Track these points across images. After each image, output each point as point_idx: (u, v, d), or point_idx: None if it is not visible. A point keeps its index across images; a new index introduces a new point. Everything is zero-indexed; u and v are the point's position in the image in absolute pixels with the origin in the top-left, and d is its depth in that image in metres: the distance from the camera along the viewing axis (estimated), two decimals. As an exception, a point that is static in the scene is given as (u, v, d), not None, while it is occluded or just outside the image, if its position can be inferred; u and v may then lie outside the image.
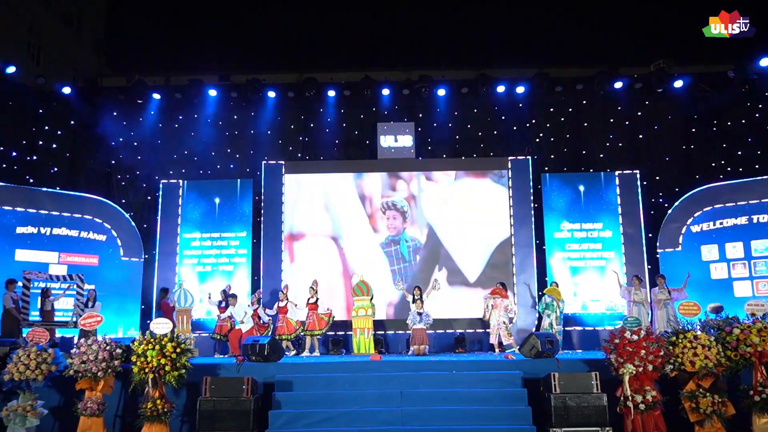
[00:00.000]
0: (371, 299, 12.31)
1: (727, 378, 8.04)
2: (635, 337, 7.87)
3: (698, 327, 8.54)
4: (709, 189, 13.58)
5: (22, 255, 12.60)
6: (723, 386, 7.91)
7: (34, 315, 11.35)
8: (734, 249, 12.98)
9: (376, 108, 14.74)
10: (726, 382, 8.02)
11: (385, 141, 14.37)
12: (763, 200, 12.94)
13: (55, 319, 11.68)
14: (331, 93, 14.26)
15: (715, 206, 13.36)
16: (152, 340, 8.19)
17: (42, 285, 11.70)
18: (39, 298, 11.49)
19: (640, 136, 14.60)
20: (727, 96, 13.94)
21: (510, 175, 14.14)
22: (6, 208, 12.58)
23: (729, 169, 13.96)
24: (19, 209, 12.74)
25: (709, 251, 13.28)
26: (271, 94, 14.26)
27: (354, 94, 14.29)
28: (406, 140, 14.35)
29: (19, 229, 12.70)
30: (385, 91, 14.20)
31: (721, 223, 13.24)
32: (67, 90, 13.77)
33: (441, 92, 14.17)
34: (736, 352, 7.91)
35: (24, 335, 9.68)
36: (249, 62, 14.93)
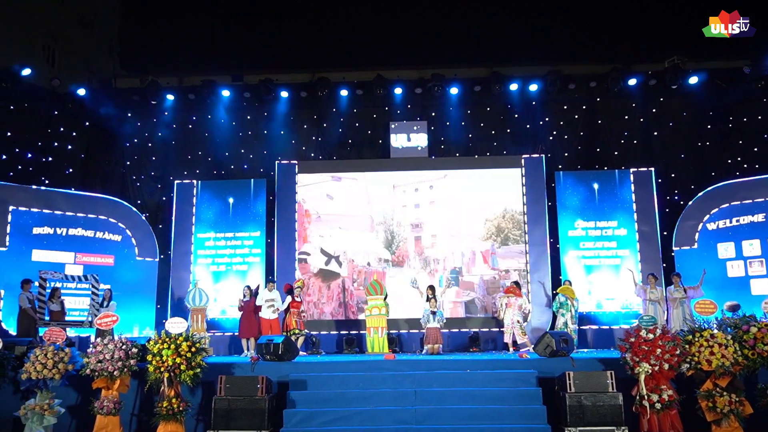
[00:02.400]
0: (385, 298, 12.33)
1: (745, 377, 7.99)
2: (651, 336, 7.84)
3: (715, 325, 8.48)
4: (725, 186, 13.44)
5: (39, 255, 12.71)
6: (740, 385, 7.84)
7: (51, 314, 11.47)
8: (751, 246, 12.83)
9: (388, 107, 14.72)
10: (743, 381, 7.96)
11: (398, 140, 14.36)
12: (780, 197, 12.80)
13: (71, 318, 11.80)
14: (344, 92, 14.26)
15: (732, 203, 13.22)
16: (167, 339, 8.26)
17: (58, 285, 11.83)
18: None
19: (655, 133, 14.48)
20: (742, 92, 13.78)
21: (523, 174, 14.10)
22: (23, 209, 12.71)
23: (745, 165, 13.79)
24: (35, 210, 12.87)
25: (725, 249, 13.14)
26: (284, 93, 14.27)
27: (366, 93, 14.28)
28: (419, 139, 14.33)
29: (36, 230, 12.82)
30: (398, 90, 14.17)
31: (737, 221, 13.10)
32: (81, 91, 13.87)
33: (454, 91, 14.11)
34: (753, 351, 7.86)
35: (41, 335, 9.78)
36: (261, 62, 14.92)
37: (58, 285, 11.74)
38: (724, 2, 11.51)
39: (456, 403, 8.28)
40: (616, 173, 14.06)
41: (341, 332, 13.47)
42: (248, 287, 12.17)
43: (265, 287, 12.17)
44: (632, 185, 13.93)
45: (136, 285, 13.57)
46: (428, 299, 11.64)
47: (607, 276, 13.60)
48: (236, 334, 12.29)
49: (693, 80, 13.60)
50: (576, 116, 14.68)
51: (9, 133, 13.28)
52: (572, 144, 14.63)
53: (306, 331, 11.99)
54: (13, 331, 11.38)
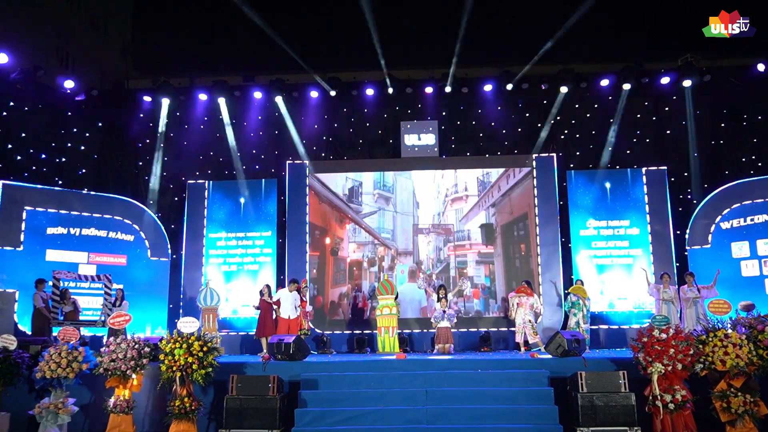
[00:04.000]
0: (395, 298, 12.32)
1: (760, 377, 7.90)
2: (664, 336, 7.78)
3: (729, 325, 8.39)
4: (739, 185, 13.31)
5: (53, 255, 12.80)
6: (755, 386, 7.77)
7: (64, 314, 11.55)
8: (766, 246, 12.69)
9: (399, 107, 14.72)
10: (758, 381, 7.87)
11: (409, 140, 14.35)
12: (795, 196, 12.66)
13: (84, 318, 11.88)
14: (354, 92, 14.27)
15: (746, 202, 13.09)
16: (179, 338, 8.30)
17: (72, 285, 11.92)
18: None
19: (668, 132, 14.38)
20: (756, 90, 13.65)
21: (535, 173, 14.05)
22: (37, 209, 12.80)
23: (759, 164, 13.66)
24: (49, 210, 12.95)
25: (739, 248, 13.01)
26: (295, 94, 14.31)
27: (377, 93, 14.29)
28: (430, 139, 14.32)
29: (50, 230, 12.91)
30: (408, 90, 14.17)
31: (752, 220, 12.97)
32: (94, 92, 13.98)
33: (464, 90, 14.10)
34: (768, 351, 7.78)
35: (54, 334, 9.86)
36: (272, 62, 15.00)
37: (71, 285, 11.83)
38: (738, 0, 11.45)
39: (467, 402, 8.26)
40: (628, 172, 13.97)
41: (352, 332, 13.48)
42: (267, 286, 12.20)
43: (284, 287, 12.13)
44: (645, 184, 13.83)
45: (149, 285, 13.64)
46: (439, 299, 11.63)
47: (619, 275, 13.52)
48: (252, 333, 12.28)
49: (706, 78, 13.48)
50: (588, 115, 14.60)
51: (23, 134, 13.40)
52: (584, 143, 14.55)
53: (309, 329, 12.04)
54: (27, 331, 11.48)
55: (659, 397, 7.56)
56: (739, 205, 13.15)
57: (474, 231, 14.09)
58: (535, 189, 14.00)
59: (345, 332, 13.54)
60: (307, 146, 14.75)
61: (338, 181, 14.42)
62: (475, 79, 14.26)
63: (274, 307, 11.60)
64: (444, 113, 14.66)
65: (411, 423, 8.02)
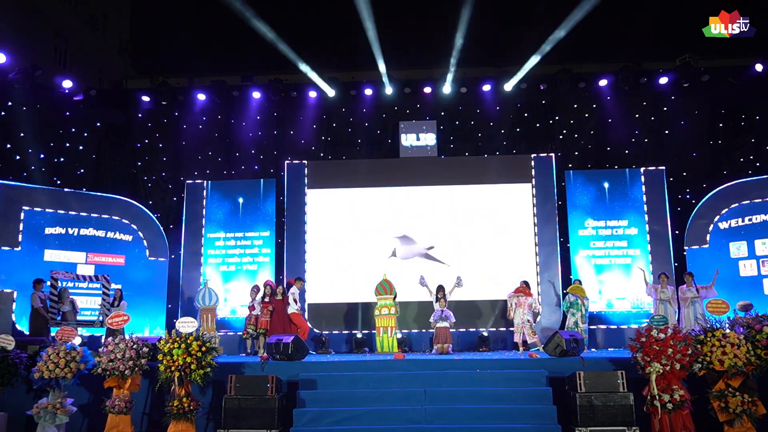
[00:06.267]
0: (394, 298, 12.32)
1: (758, 377, 7.91)
2: (662, 336, 7.79)
3: (727, 325, 8.41)
4: (738, 185, 13.32)
5: (51, 255, 12.78)
6: (753, 385, 7.78)
7: (62, 314, 11.54)
8: (764, 245, 12.71)
9: (398, 107, 14.72)
10: (756, 381, 7.88)
11: (407, 140, 14.35)
12: (793, 196, 12.67)
13: (83, 318, 11.87)
14: (353, 92, 14.27)
15: (744, 202, 13.10)
16: (178, 338, 8.29)
17: (70, 285, 11.91)
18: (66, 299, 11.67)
19: (666, 132, 14.39)
20: (755, 90, 13.67)
21: (533, 173, 14.06)
22: (35, 209, 12.78)
23: (758, 164, 13.67)
24: (47, 210, 12.93)
25: (737, 248, 13.03)
26: (294, 94, 14.31)
27: (376, 93, 14.29)
28: (429, 139, 14.32)
29: (48, 230, 12.89)
30: (407, 90, 14.17)
31: (750, 220, 12.99)
32: (92, 92, 13.97)
33: (463, 90, 14.10)
34: (766, 351, 7.80)
35: (53, 334, 9.86)
36: (271, 62, 15.00)
37: (69, 285, 11.82)
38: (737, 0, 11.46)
39: (466, 402, 8.26)
40: (626, 172, 13.98)
41: (351, 332, 13.48)
42: (281, 285, 12.18)
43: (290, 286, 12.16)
44: (643, 184, 13.83)
45: (147, 285, 13.62)
46: (438, 299, 11.63)
47: (617, 275, 13.53)
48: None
49: (705, 78, 13.50)
50: (586, 115, 14.61)
51: (21, 134, 13.38)
52: (582, 143, 14.56)
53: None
54: (25, 331, 11.47)
55: (657, 397, 7.57)
56: (737, 205, 13.16)
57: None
58: (534, 189, 14.00)
59: (344, 332, 13.53)
60: (305, 146, 14.76)
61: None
62: (473, 79, 14.28)
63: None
64: (443, 113, 14.66)
65: (409, 423, 8.02)
